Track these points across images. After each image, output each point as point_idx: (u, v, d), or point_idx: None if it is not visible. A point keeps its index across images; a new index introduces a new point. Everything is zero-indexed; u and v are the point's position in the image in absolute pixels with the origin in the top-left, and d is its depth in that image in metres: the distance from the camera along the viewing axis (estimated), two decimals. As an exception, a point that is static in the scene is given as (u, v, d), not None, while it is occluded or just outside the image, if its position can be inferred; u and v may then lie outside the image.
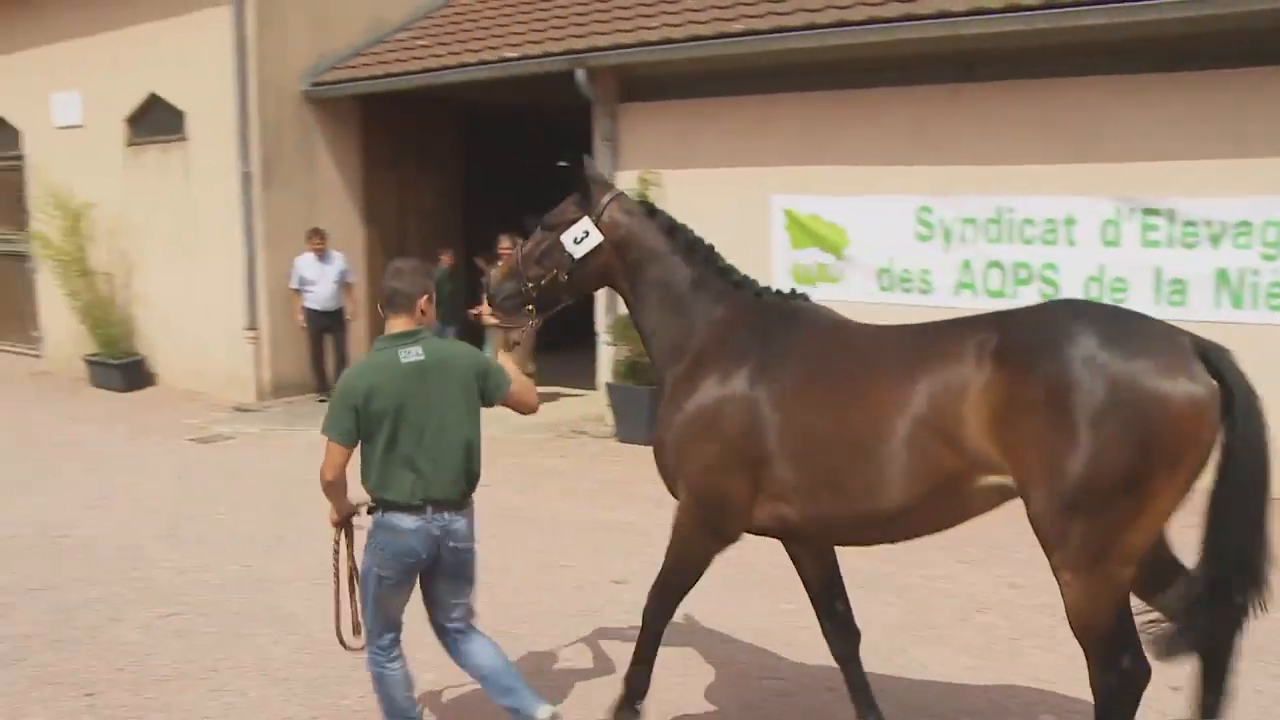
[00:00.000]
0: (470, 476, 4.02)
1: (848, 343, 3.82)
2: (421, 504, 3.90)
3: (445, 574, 4.04)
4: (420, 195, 14.01)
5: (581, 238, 4.17)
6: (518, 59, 10.84)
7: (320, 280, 12.00)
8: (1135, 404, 3.20)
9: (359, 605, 4.08)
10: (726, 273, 4.18)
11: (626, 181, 10.42)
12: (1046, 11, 7.92)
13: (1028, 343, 3.43)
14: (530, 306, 4.21)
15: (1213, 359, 3.33)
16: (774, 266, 9.80)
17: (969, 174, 8.84)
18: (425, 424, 3.92)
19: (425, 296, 4.08)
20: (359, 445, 3.90)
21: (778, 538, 3.95)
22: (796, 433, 3.68)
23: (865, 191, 9.34)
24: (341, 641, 4.22)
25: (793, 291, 4.19)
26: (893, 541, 3.78)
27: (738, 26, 9.41)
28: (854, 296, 9.04)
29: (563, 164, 15.47)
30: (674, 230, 4.23)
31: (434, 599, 4.09)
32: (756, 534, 3.92)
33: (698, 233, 4.23)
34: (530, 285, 4.22)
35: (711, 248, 4.23)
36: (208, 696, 4.87)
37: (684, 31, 9.76)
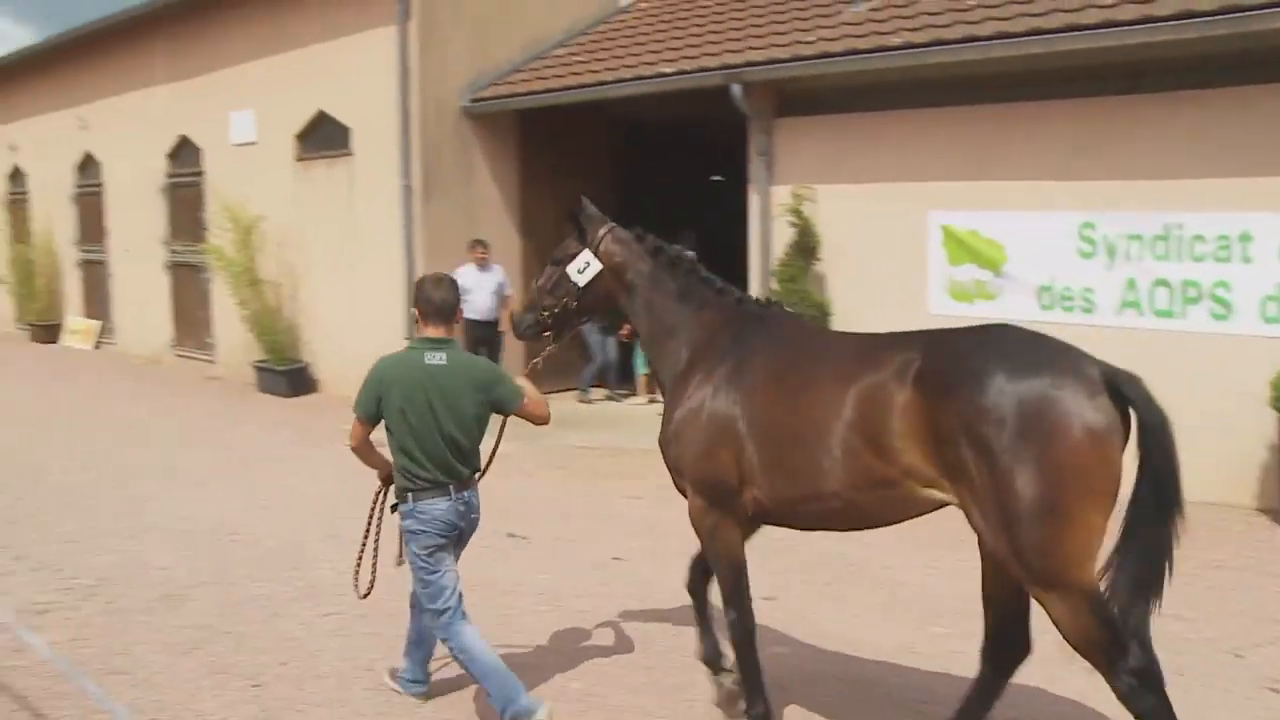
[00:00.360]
0: (469, 462, 4.84)
1: (806, 345, 4.39)
2: (444, 484, 4.74)
3: (463, 540, 4.91)
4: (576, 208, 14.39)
5: (584, 268, 4.91)
6: (674, 74, 10.90)
7: (479, 291, 11.84)
8: (1042, 433, 3.56)
9: (411, 573, 4.92)
10: (708, 282, 4.82)
11: (781, 197, 10.47)
12: (1222, 18, 7.69)
13: (944, 370, 3.81)
14: (547, 333, 4.97)
15: (1123, 388, 3.64)
16: (930, 283, 9.69)
17: (1134, 189, 8.62)
18: (436, 417, 4.71)
19: (459, 310, 4.92)
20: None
21: (765, 522, 4.45)
22: (758, 421, 4.30)
23: (1025, 207, 9.14)
24: (355, 585, 5.09)
25: (768, 299, 4.84)
26: (856, 528, 4.21)
27: (895, 40, 9.33)
28: (1013, 314, 8.89)
29: (717, 178, 15.63)
30: (658, 251, 4.91)
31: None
32: (760, 520, 4.42)
33: (687, 252, 4.98)
34: (545, 314, 4.97)
35: (693, 261, 4.90)
36: (363, 695, 5.08)
37: (841, 45, 9.71)
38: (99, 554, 7.16)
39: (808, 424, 4.11)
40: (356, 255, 13.71)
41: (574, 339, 9.62)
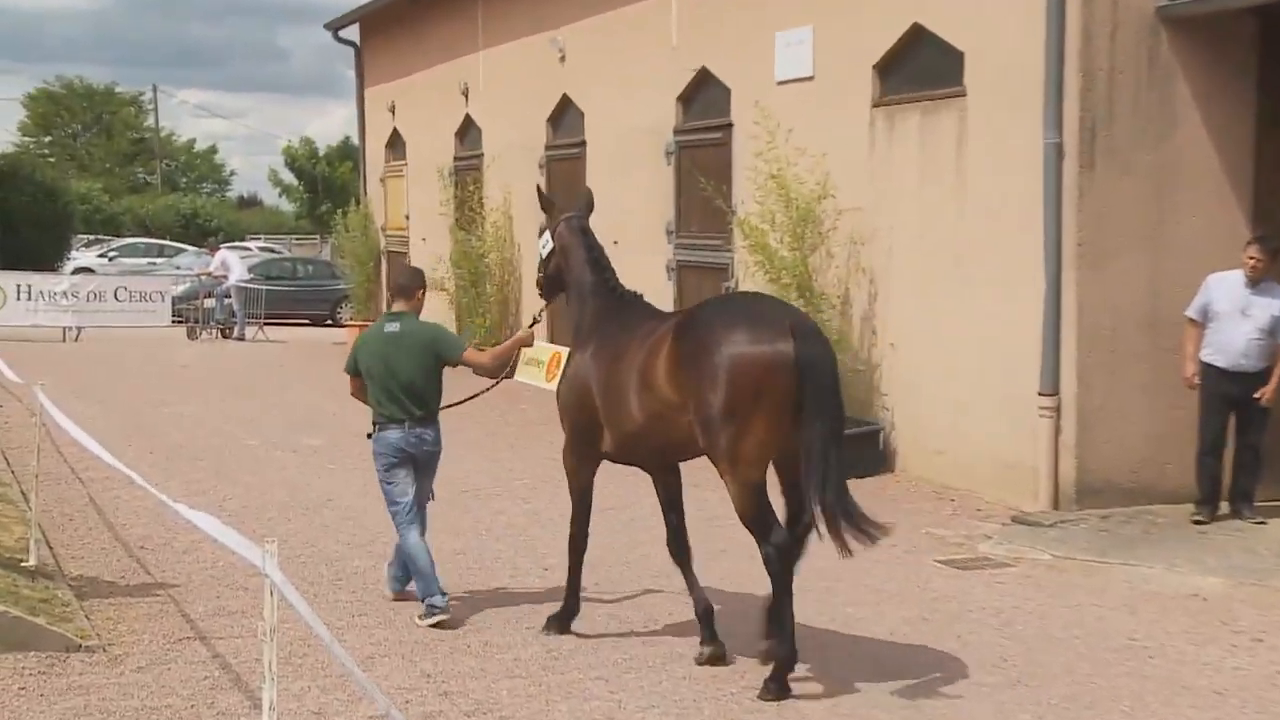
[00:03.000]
0: (420, 404, 9.37)
1: (637, 323, 8.70)
2: (399, 419, 9.35)
3: (420, 467, 9.51)
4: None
5: (545, 245, 9.50)
6: None
7: (1237, 317, 11.85)
8: (730, 362, 7.70)
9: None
10: (609, 278, 9.18)
11: None
12: None
13: (688, 324, 8.12)
14: (542, 293, 9.73)
15: (798, 332, 7.78)
16: None
17: None
18: (390, 371, 9.36)
19: (422, 290, 9.70)
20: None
21: (619, 462, 8.88)
22: (602, 380, 8.60)
23: None
24: None
25: (635, 293, 9.20)
26: (667, 461, 8.73)
27: None
28: None
29: None
30: (592, 247, 9.26)
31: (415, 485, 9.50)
32: (611, 460, 8.86)
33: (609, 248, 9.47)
34: (538, 278, 9.72)
35: (608, 259, 9.28)
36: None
37: None
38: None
39: (623, 378, 8.42)
40: (964, 255, 13.79)
41: None
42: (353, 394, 9.84)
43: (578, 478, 9.00)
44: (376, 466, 9.49)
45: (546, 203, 9.82)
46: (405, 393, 9.30)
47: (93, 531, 11.52)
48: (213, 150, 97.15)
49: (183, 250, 49.34)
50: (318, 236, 64.94)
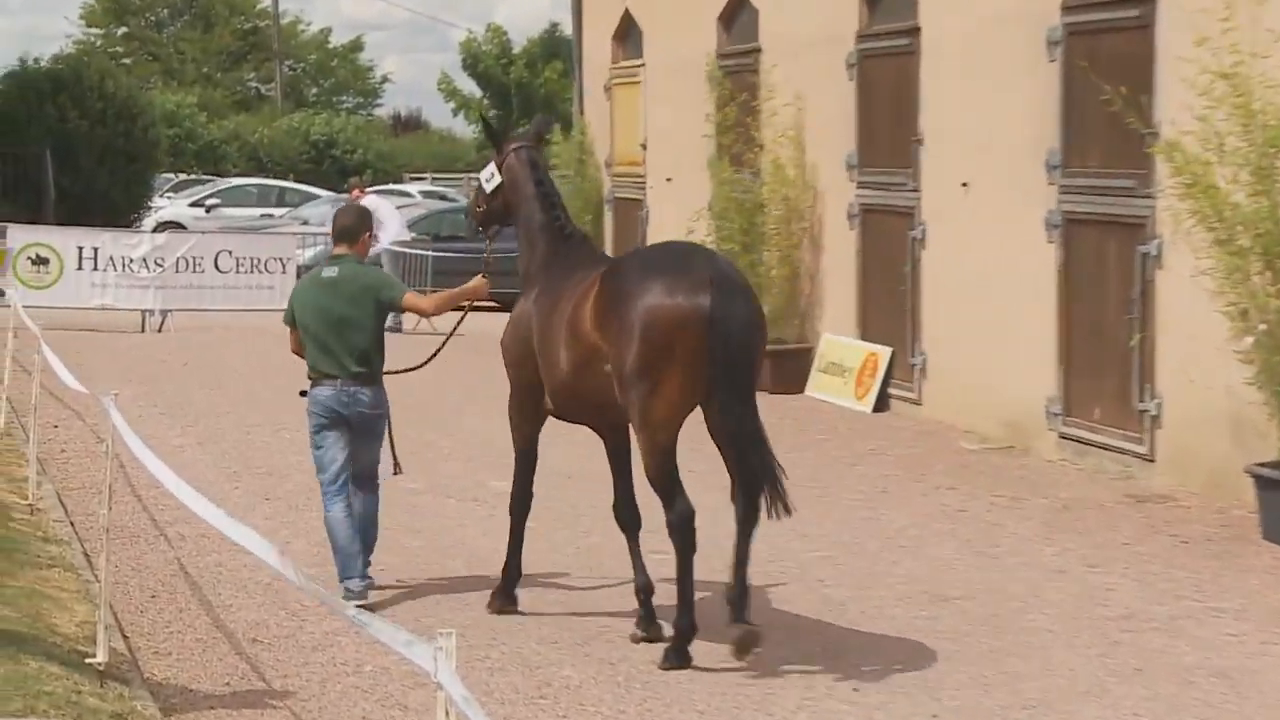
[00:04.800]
0: (361, 358, 10.99)
1: (577, 268, 10.49)
2: (333, 375, 11.05)
3: (357, 431, 11.18)
4: None
5: (489, 177, 11.53)
6: None
7: None
8: (642, 315, 9.44)
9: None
10: (559, 218, 10.99)
11: None
12: None
13: (612, 272, 10.02)
14: (480, 229, 12.06)
15: (720, 286, 9.49)
16: None
17: None
18: (327, 320, 11.11)
19: (367, 234, 11.74)
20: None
21: (562, 418, 10.84)
22: (539, 329, 10.50)
23: None
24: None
25: (585, 234, 11.59)
26: (607, 419, 10.45)
27: None
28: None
29: None
30: (542, 181, 11.07)
31: (352, 453, 11.15)
32: (555, 416, 10.84)
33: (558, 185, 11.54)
34: (477, 213, 11.92)
35: (559, 196, 11.27)
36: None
37: None
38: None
39: (555, 327, 10.17)
40: None
41: None
42: (293, 350, 11.41)
43: (520, 433, 10.78)
44: (308, 428, 11.12)
45: (492, 133, 11.94)
46: (340, 345, 10.83)
47: (184, 614, 11.19)
48: (357, 46, 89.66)
49: (313, 197, 47.28)
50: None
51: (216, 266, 27.06)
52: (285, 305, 11.99)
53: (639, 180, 27.05)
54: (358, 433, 10.93)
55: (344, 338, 10.80)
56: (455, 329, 11.87)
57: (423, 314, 11.72)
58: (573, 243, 10.81)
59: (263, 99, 78.36)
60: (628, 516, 10.51)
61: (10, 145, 34.26)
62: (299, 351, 11.20)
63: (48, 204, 32.19)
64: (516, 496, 10.83)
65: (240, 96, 78.62)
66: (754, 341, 9.57)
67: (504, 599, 10.76)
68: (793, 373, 21.91)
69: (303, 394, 11.08)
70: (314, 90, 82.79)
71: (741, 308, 9.44)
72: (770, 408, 19.42)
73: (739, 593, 9.70)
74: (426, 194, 49.63)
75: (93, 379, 14.88)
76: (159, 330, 26.52)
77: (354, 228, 11.29)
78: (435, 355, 11.89)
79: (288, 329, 11.47)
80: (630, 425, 9.81)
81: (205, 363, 23.25)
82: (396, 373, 11.33)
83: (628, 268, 9.93)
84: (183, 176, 52.23)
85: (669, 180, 25.61)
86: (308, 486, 14.20)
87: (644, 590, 10.28)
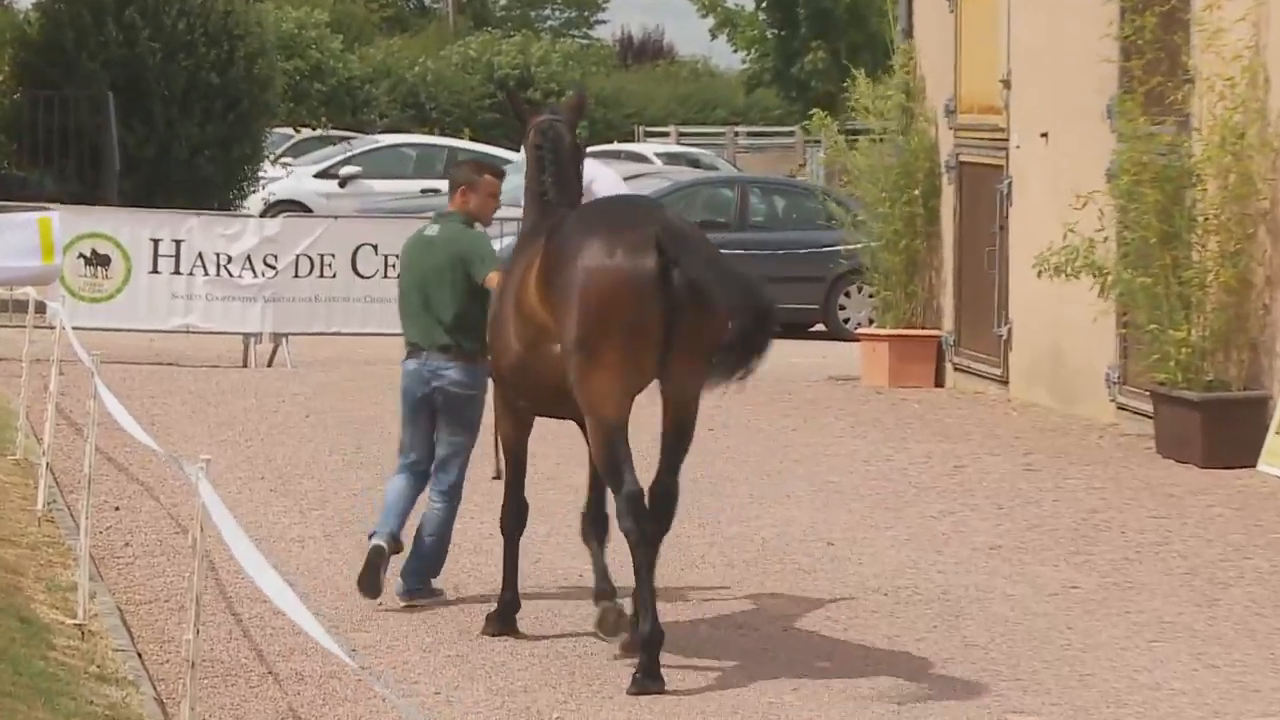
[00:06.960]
0: (449, 329, 10.62)
1: (540, 235, 9.94)
2: (420, 347, 10.83)
3: (441, 411, 10.85)
4: None
5: (521, 154, 11.09)
6: None
7: None
8: (583, 278, 9.11)
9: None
10: (544, 182, 10.41)
11: None
12: None
13: (555, 229, 9.56)
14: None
15: (668, 243, 9.03)
16: None
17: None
18: (418, 283, 10.94)
19: (462, 187, 11.05)
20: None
21: (539, 413, 10.49)
22: (494, 308, 10.32)
23: None
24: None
25: (567, 206, 10.26)
26: (579, 410, 9.78)
27: None
28: None
29: None
30: (540, 146, 10.44)
31: (436, 435, 10.74)
32: (533, 412, 10.59)
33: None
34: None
35: (557, 168, 10.47)
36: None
37: None
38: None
39: (505, 303, 9.92)
40: None
41: None
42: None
43: (506, 436, 10.42)
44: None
45: (517, 105, 12.16)
46: (428, 312, 10.61)
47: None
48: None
49: (501, 163, 38.91)
50: (796, 133, 48.59)
51: (355, 269, 20.60)
52: None
53: (997, 136, 21.74)
54: (441, 412, 10.77)
55: (431, 305, 10.67)
56: None
57: None
58: (546, 212, 10.36)
59: (426, 15, 63.58)
60: (596, 525, 10.35)
61: (54, 87, 26.34)
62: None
63: (109, 175, 24.79)
64: (507, 510, 10.49)
65: (393, 13, 62.37)
66: (707, 302, 9.09)
67: (501, 623, 10.38)
68: (1237, 435, 18.06)
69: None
70: (499, 7, 67.32)
71: (696, 264, 9.09)
72: (1200, 487, 17.60)
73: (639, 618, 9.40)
74: (670, 158, 39.56)
75: (172, 437, 14.34)
76: (269, 364, 20.77)
77: (461, 179, 11.12)
78: None
79: None
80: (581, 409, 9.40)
81: (337, 413, 18.57)
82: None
83: (567, 228, 9.56)
84: (306, 133, 41.32)
85: (1043, 135, 20.58)
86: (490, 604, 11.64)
87: (603, 593, 10.18)
